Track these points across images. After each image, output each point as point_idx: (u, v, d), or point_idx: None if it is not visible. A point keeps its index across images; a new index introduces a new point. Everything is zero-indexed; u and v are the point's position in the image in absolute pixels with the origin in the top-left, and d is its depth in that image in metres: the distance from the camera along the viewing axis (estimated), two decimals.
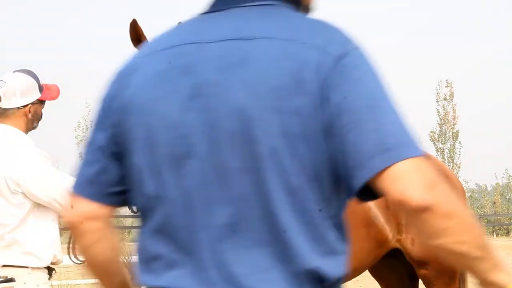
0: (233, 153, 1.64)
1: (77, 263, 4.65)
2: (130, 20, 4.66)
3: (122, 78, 1.79)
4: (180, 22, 1.87)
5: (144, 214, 1.76)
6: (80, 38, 77.05)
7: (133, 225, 38.72)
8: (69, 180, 4.17)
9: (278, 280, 1.63)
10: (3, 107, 4.14)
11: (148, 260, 1.74)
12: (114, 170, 1.79)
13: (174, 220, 1.70)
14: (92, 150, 1.83)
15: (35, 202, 4.03)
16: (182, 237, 1.69)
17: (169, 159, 1.69)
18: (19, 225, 4.01)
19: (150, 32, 4.58)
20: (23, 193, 4.01)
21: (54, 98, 4.32)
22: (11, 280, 3.98)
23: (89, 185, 1.82)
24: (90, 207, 1.82)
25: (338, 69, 1.63)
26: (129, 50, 4.78)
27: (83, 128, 43.21)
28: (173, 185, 1.70)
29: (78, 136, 43.23)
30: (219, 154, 1.65)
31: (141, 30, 4.73)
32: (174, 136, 1.69)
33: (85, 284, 14.71)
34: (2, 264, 3.99)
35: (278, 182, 1.62)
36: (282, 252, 1.63)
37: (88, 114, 43.27)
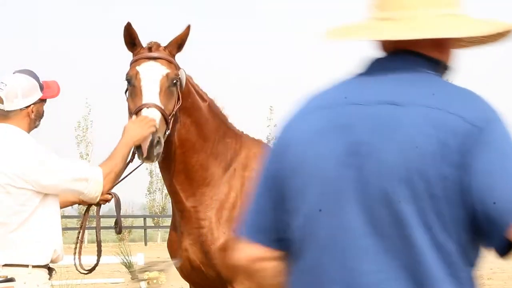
0: (382, 209, 1.83)
1: (82, 273, 4.66)
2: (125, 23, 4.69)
3: (285, 133, 2.00)
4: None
5: (295, 255, 1.95)
6: (80, 38, 76.98)
7: (133, 225, 38.73)
8: (77, 166, 4.20)
9: None
10: (5, 109, 4.15)
11: None
12: (277, 217, 1.98)
13: (323, 264, 1.89)
14: (260, 199, 2.02)
15: (41, 198, 4.04)
16: (329, 279, 1.88)
17: (323, 210, 1.89)
18: (22, 223, 4.02)
19: (144, 35, 4.59)
20: (32, 189, 4.02)
21: (55, 95, 4.34)
22: (11, 280, 3.98)
23: (259, 232, 2.01)
24: (259, 251, 2.01)
25: (479, 137, 1.82)
26: (128, 51, 4.80)
27: (83, 128, 43.09)
28: (324, 233, 1.89)
29: (78, 136, 43.11)
30: (370, 209, 1.84)
31: (135, 33, 4.74)
32: (329, 189, 1.88)
33: (85, 284, 14.70)
34: (3, 264, 4.00)
35: (424, 238, 1.81)
36: None
37: (88, 114, 43.20)
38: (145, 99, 4.53)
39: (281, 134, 2.01)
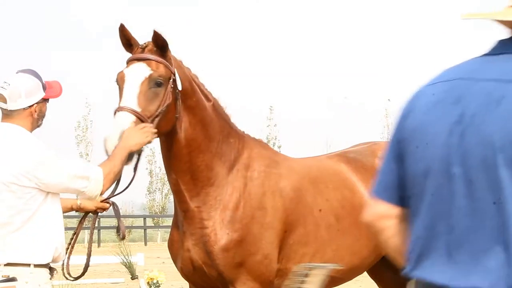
0: (480, 174, 2.06)
1: (69, 279, 4.67)
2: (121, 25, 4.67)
3: (409, 103, 2.29)
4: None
5: (411, 211, 2.23)
6: (80, 38, 77.06)
7: (133, 225, 38.77)
8: (79, 165, 4.21)
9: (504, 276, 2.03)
10: (9, 108, 4.16)
11: (418, 254, 2.19)
12: (399, 176, 2.26)
13: (431, 220, 2.15)
14: (387, 161, 2.32)
15: (45, 196, 4.06)
16: (436, 234, 2.13)
17: (433, 172, 2.15)
18: (26, 222, 4.02)
19: (141, 35, 4.57)
20: (36, 188, 4.03)
21: (57, 95, 4.36)
22: (12, 279, 3.98)
23: (385, 190, 2.31)
24: (385, 207, 2.30)
25: None
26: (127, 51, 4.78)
27: (83, 128, 43.08)
28: (432, 193, 2.15)
29: (78, 136, 43.11)
30: (469, 174, 2.08)
31: (130, 34, 4.73)
32: (440, 154, 2.14)
33: (85, 284, 14.72)
34: (5, 263, 4.00)
35: None
36: (509, 257, 2.02)
37: (88, 114, 43.21)
38: (122, 102, 4.56)
39: (407, 103, 2.29)
